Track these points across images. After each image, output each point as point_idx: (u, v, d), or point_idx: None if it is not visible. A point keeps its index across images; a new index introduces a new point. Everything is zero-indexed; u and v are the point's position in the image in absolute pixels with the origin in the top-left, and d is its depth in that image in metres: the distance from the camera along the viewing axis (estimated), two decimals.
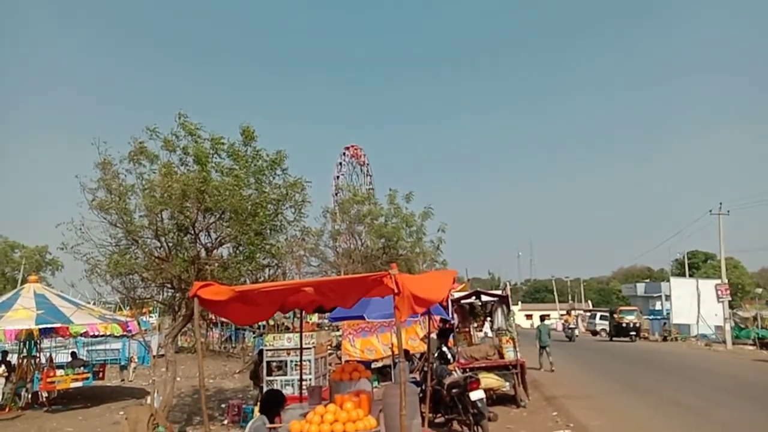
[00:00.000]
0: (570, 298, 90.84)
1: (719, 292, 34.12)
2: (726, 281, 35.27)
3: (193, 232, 11.34)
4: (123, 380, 20.70)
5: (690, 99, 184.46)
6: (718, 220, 35.11)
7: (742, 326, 35.06)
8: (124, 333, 16.20)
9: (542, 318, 22.54)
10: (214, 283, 4.21)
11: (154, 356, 15.06)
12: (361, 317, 14.21)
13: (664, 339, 38.98)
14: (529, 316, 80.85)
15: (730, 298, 35.72)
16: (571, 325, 40.45)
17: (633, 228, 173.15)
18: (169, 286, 11.71)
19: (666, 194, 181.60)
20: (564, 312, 78.72)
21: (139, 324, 15.13)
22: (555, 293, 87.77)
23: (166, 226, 11.19)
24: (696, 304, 35.86)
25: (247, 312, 5.05)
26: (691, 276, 50.89)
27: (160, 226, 11.05)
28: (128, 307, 19.26)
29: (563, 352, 28.31)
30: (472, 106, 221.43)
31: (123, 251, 10.97)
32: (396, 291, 3.66)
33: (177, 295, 11.75)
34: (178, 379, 14.96)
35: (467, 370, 12.02)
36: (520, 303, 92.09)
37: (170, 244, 11.34)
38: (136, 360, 23.58)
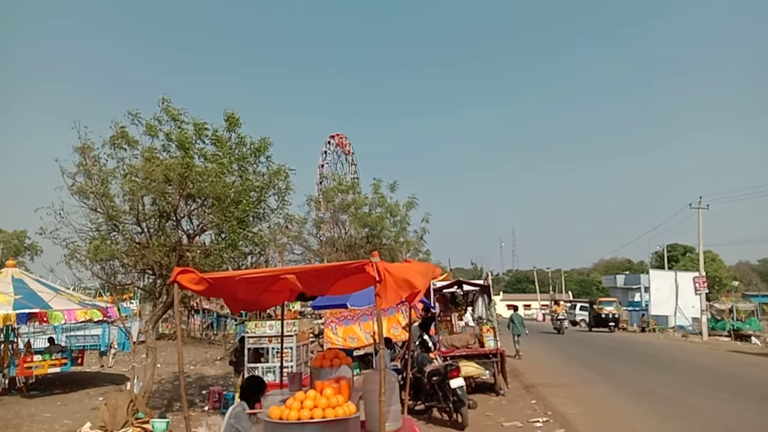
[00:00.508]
0: (551, 288, 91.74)
1: (697, 285, 34.67)
2: (704, 274, 35.84)
3: (174, 218, 11.26)
4: (102, 366, 20.56)
5: (674, 97, 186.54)
6: (697, 214, 35.62)
7: (718, 318, 35.69)
8: (104, 319, 16.06)
9: (514, 308, 23.12)
10: (194, 270, 4.18)
11: (134, 342, 14.94)
12: (344, 306, 14.27)
13: (642, 330, 39.56)
14: (510, 306, 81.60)
15: (708, 291, 36.34)
16: (560, 316, 37.71)
17: (614, 221, 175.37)
18: (149, 272, 11.62)
19: (647, 188, 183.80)
20: (547, 302, 79.35)
21: (119, 310, 14.99)
22: (536, 284, 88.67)
23: (147, 211, 11.09)
24: (674, 296, 36.42)
25: (239, 299, 5.05)
26: (670, 268, 51.57)
27: (141, 212, 10.94)
28: (108, 293, 19.11)
29: (544, 342, 28.69)
30: (458, 100, 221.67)
31: (103, 236, 10.86)
32: (377, 279, 3.66)
33: (158, 281, 11.68)
34: (159, 365, 14.92)
35: (448, 358, 12.14)
36: (501, 293, 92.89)
37: (151, 230, 11.25)
38: (116, 346, 23.41)
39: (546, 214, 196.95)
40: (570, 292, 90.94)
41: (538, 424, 9.85)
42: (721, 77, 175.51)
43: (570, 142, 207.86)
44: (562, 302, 49.09)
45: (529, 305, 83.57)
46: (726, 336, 32.27)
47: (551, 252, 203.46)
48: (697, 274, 35.91)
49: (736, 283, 51.93)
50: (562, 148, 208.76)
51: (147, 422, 9.91)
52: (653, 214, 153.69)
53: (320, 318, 22.54)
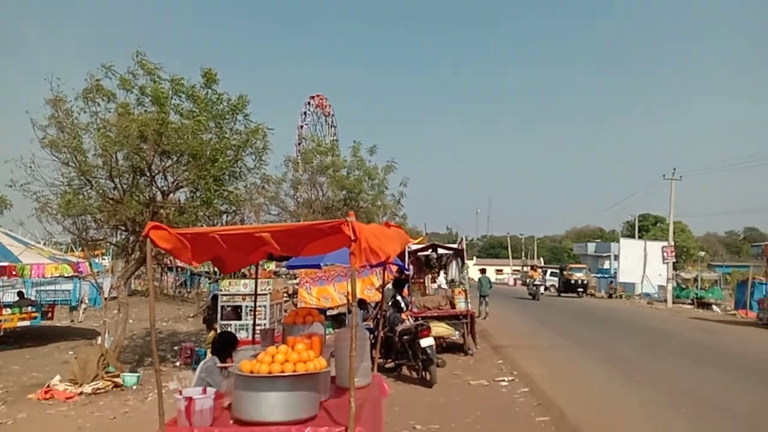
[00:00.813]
0: (523, 254, 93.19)
1: (665, 254, 35.50)
2: (672, 244, 36.68)
3: (149, 174, 11.13)
4: (73, 321, 20.47)
5: (651, 66, 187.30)
6: (670, 185, 36.24)
7: (683, 287, 36.71)
8: (76, 274, 15.92)
9: (482, 271, 23.79)
10: (166, 228, 4.14)
11: (105, 298, 14.89)
12: (318, 266, 14.36)
13: (610, 296, 40.57)
14: (482, 270, 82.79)
15: (675, 260, 37.24)
16: (537, 282, 36.79)
17: (588, 190, 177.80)
18: (122, 228, 11.53)
19: (621, 158, 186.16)
20: (518, 268, 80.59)
21: (90, 265, 14.86)
22: (509, 249, 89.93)
23: (121, 167, 10.93)
24: (642, 264, 37.31)
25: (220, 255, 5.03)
26: (640, 238, 52.68)
27: (115, 167, 10.77)
28: (80, 248, 18.89)
29: (515, 306, 29.29)
30: (437, 61, 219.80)
31: (75, 191, 10.70)
32: (353, 238, 3.69)
33: (131, 237, 11.60)
34: (131, 321, 14.90)
35: (419, 318, 12.35)
36: (475, 258, 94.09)
37: (125, 186, 11.11)
38: (87, 301, 23.29)
39: (521, 182, 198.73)
40: (542, 259, 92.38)
41: (504, 383, 10.15)
42: (699, 49, 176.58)
43: (548, 111, 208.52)
44: (538, 267, 49.07)
45: (501, 270, 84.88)
46: (689, 304, 33.29)
47: (525, 219, 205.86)
48: (666, 243, 36.74)
49: (702, 254, 53.37)
50: (540, 117, 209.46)
51: (117, 376, 9.98)
52: (627, 184, 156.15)
53: (295, 278, 22.64)
